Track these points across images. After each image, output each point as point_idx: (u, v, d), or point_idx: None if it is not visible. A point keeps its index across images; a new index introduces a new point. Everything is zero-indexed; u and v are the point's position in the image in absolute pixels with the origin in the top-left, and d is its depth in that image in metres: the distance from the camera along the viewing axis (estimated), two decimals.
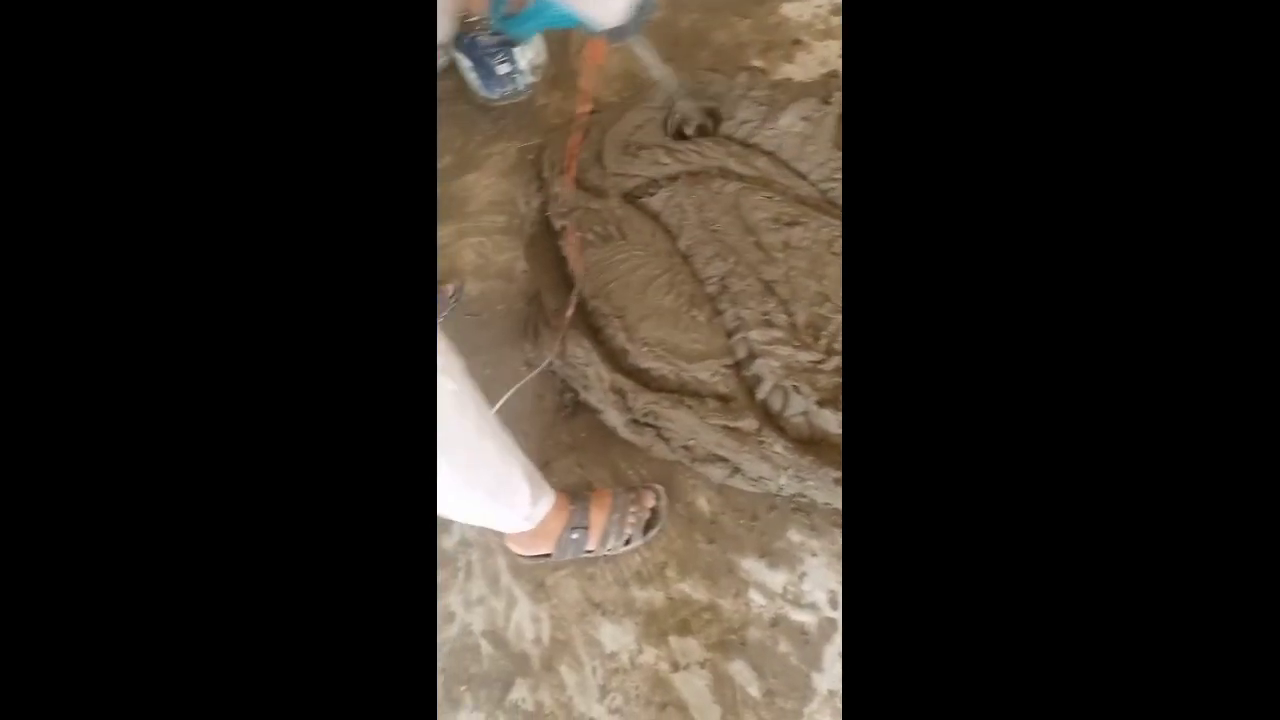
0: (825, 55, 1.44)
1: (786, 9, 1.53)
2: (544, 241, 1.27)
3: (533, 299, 1.22)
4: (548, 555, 0.97)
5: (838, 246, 0.99)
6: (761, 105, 1.19)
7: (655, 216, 1.14)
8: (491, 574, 1.02)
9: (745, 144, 1.19)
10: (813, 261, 0.99)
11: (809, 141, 1.12)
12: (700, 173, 1.17)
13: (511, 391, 1.02)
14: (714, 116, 1.25)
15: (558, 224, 1.21)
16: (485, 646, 0.97)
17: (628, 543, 0.97)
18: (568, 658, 0.94)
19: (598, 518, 0.97)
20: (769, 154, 1.16)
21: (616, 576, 0.98)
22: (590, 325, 1.09)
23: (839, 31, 1.45)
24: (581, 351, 1.07)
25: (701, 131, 1.24)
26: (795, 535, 0.94)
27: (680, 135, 1.25)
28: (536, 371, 1.08)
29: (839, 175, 1.07)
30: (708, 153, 1.18)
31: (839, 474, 0.87)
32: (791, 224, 1.03)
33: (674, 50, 1.49)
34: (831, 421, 0.90)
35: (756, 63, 1.44)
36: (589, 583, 0.98)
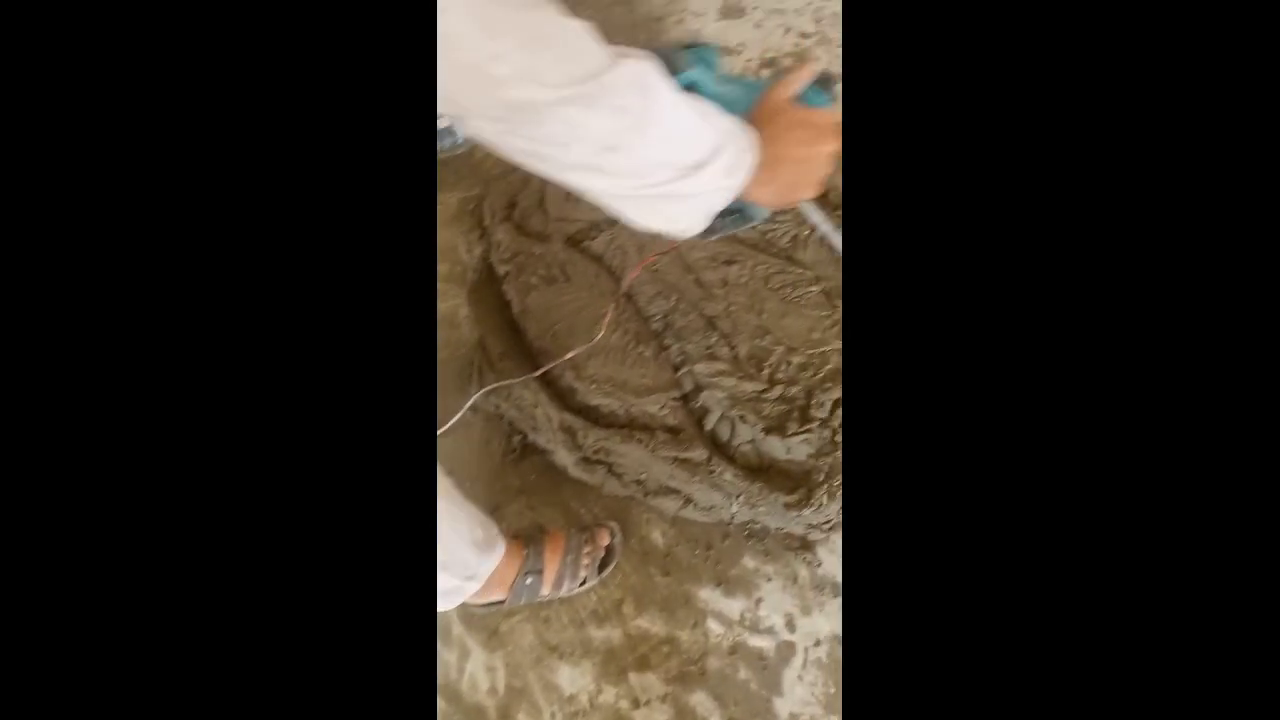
0: None
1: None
2: (486, 288, 1.28)
3: (476, 344, 1.23)
4: (501, 602, 0.95)
5: (774, 282, 1.04)
6: None
7: (598, 259, 1.17)
8: (443, 626, 0.99)
9: None
10: (751, 297, 1.03)
11: None
12: None
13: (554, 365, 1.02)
14: None
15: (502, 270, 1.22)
16: (439, 704, 0.93)
17: (583, 583, 0.96)
18: (525, 705, 0.91)
19: (552, 560, 0.95)
20: None
21: (572, 617, 0.97)
22: (538, 366, 1.10)
23: None
24: (529, 393, 1.07)
25: None
26: (750, 561, 0.96)
27: None
28: (569, 357, 1.05)
29: (774, 221, 1.13)
30: None
31: (789, 498, 0.90)
32: (729, 262, 1.07)
33: None
34: (778, 448, 0.93)
35: None
36: (544, 626, 0.96)
